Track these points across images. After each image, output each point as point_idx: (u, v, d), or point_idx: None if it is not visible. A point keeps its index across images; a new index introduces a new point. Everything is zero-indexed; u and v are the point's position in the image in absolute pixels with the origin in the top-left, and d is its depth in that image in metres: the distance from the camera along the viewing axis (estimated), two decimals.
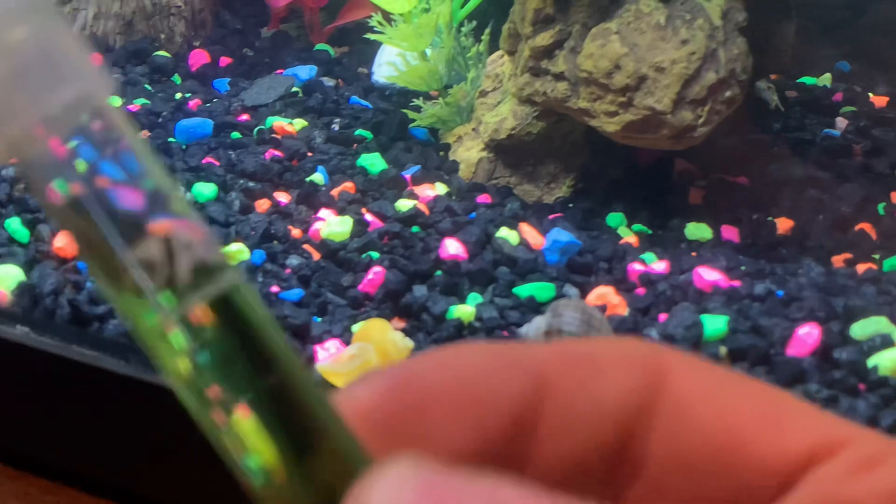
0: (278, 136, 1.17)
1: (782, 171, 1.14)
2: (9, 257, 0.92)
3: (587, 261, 0.96)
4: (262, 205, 1.04)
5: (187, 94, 1.29)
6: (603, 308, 0.89)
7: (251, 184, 1.06)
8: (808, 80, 1.38)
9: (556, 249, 0.96)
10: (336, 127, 1.20)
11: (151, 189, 0.25)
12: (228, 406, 0.25)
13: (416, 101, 1.17)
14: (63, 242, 0.93)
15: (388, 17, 1.17)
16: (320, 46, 1.43)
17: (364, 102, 1.26)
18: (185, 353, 0.25)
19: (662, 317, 0.88)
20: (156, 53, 1.38)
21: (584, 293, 0.91)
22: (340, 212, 1.02)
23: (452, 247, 0.95)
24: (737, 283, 0.93)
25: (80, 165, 0.25)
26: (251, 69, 1.38)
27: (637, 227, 1.05)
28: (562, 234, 0.97)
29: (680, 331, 0.85)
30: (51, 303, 0.86)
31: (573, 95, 1.01)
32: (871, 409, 0.78)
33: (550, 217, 1.04)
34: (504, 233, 0.98)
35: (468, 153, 1.12)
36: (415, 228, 1.00)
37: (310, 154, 1.14)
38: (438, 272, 0.93)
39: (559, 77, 1.02)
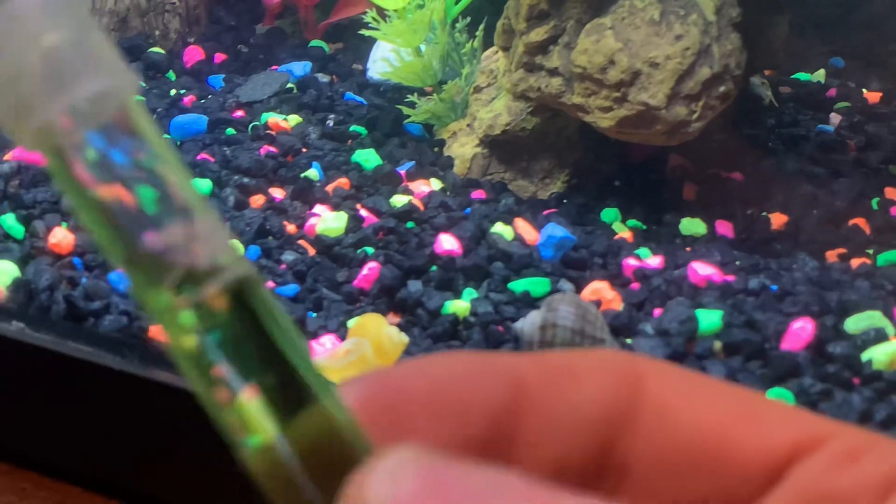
0: (273, 133, 1.17)
1: (776, 167, 1.14)
2: (4, 253, 0.92)
3: (582, 256, 0.96)
4: (257, 201, 1.04)
5: (182, 91, 1.29)
6: (598, 303, 0.89)
7: (246, 180, 1.06)
8: (802, 75, 1.38)
9: (551, 245, 0.96)
10: (331, 123, 1.20)
11: (170, 182, 0.26)
12: (234, 386, 0.25)
13: (411, 97, 1.17)
14: (58, 238, 0.93)
15: (382, 13, 1.17)
16: (315, 43, 1.43)
17: (358, 98, 1.26)
18: (194, 333, 0.25)
19: (657, 311, 0.88)
20: (150, 50, 1.38)
21: (578, 288, 0.92)
22: (335, 207, 1.02)
23: (447, 242, 0.95)
24: (731, 278, 0.93)
25: (101, 156, 0.25)
26: (246, 65, 1.38)
27: (631, 222, 1.05)
28: (556, 230, 0.98)
29: (674, 325, 0.85)
30: (46, 299, 0.86)
31: (567, 91, 1.01)
32: (865, 403, 0.78)
33: (545, 212, 1.04)
34: (499, 228, 0.98)
35: (463, 149, 1.12)
36: (409, 224, 1.00)
37: (304, 150, 1.14)
38: (433, 267, 0.93)
39: (553, 73, 1.02)
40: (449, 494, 0.24)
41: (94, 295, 0.86)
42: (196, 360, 0.25)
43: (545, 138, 1.09)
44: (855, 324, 0.85)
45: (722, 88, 0.97)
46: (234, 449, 0.26)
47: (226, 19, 1.49)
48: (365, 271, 0.91)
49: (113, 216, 0.25)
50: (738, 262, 0.97)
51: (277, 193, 1.05)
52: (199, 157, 1.10)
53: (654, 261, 0.96)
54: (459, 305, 0.88)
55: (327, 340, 0.84)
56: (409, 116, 1.17)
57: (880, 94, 1.33)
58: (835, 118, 1.26)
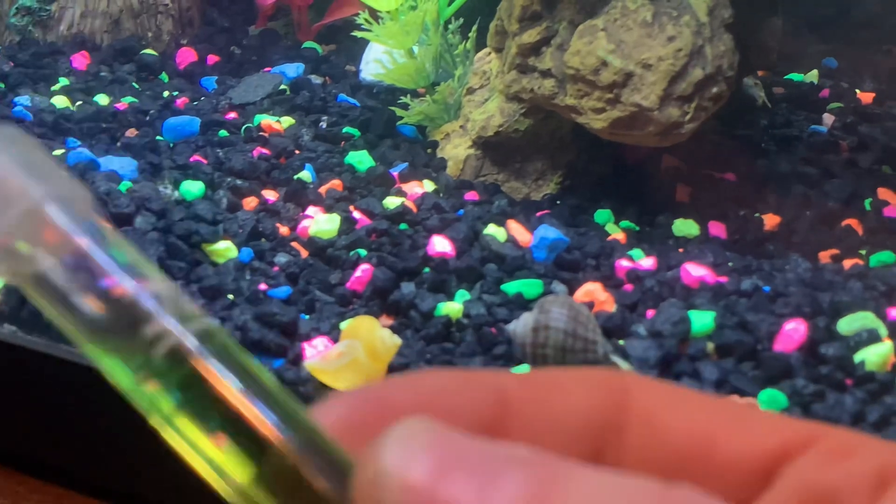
0: (266, 134, 1.17)
1: (769, 168, 1.14)
2: None
3: (575, 257, 0.96)
4: (250, 202, 1.04)
5: (175, 93, 1.29)
6: (591, 304, 0.89)
7: (239, 182, 1.06)
8: (795, 76, 1.38)
9: (544, 246, 0.96)
10: (324, 125, 1.20)
11: (121, 265, 0.27)
12: (212, 435, 0.26)
13: (404, 99, 1.17)
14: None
15: (375, 14, 1.17)
16: (308, 44, 1.43)
17: (351, 100, 1.26)
18: (162, 393, 0.27)
19: (650, 313, 0.88)
20: (143, 52, 1.38)
21: (571, 290, 0.92)
22: (328, 209, 1.02)
23: (440, 244, 0.95)
24: (724, 279, 0.93)
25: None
26: (239, 67, 1.38)
27: (624, 223, 1.05)
28: (549, 231, 0.97)
29: (667, 327, 0.85)
30: None
31: (560, 92, 1.01)
32: (857, 405, 0.78)
33: (538, 214, 1.04)
34: (492, 230, 0.98)
35: (456, 150, 1.12)
36: (403, 226, 1.00)
37: (297, 152, 1.14)
38: (426, 269, 0.93)
39: (546, 74, 1.02)
40: (461, 461, 0.24)
41: None
42: (171, 420, 0.27)
43: (538, 140, 1.09)
44: (847, 325, 0.85)
45: (714, 90, 0.97)
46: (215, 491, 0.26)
47: (219, 21, 1.49)
48: (358, 273, 0.91)
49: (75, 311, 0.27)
50: (730, 264, 0.97)
51: (270, 195, 1.05)
52: (191, 159, 1.10)
53: (646, 262, 0.96)
54: (452, 307, 0.88)
55: (320, 343, 0.84)
56: (402, 118, 1.17)
57: (873, 95, 1.33)
58: (828, 119, 1.27)
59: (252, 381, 0.26)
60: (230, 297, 0.88)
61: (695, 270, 0.93)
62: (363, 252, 0.95)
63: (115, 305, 0.27)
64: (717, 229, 1.04)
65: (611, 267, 0.95)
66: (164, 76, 1.35)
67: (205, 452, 0.26)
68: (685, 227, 1.04)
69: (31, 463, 0.80)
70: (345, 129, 1.19)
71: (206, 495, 0.27)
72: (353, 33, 1.20)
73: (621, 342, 0.85)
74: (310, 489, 0.25)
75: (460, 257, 0.94)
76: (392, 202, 1.03)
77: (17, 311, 0.86)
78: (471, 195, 1.07)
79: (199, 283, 0.89)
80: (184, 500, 0.75)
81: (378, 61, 1.21)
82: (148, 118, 1.20)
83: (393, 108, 1.18)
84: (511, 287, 0.91)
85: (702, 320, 0.85)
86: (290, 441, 0.26)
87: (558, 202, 1.08)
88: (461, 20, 1.18)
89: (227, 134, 1.17)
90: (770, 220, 1.05)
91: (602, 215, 1.06)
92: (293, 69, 1.32)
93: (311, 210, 1.02)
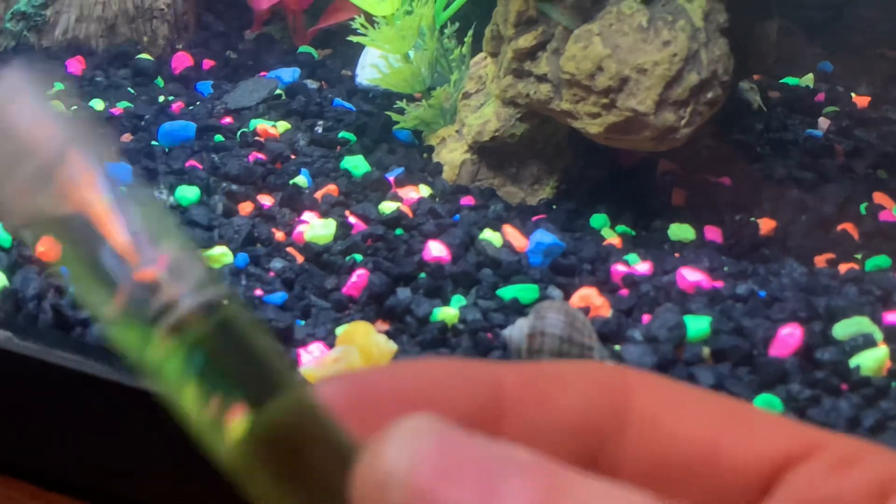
0: (261, 139, 1.17)
1: (765, 172, 1.14)
2: None
3: (571, 262, 0.96)
4: (246, 208, 1.04)
5: (170, 97, 1.29)
6: (586, 310, 0.89)
7: (234, 187, 1.06)
8: (790, 80, 1.38)
9: (540, 251, 0.96)
10: (319, 129, 1.20)
11: (140, 223, 0.27)
12: (220, 408, 0.26)
13: (400, 104, 1.17)
14: (46, 248, 0.93)
15: (370, 19, 1.17)
16: (303, 49, 1.43)
17: (347, 105, 1.26)
18: (176, 360, 0.26)
19: (646, 318, 0.88)
20: (139, 56, 1.38)
21: (567, 295, 0.92)
22: (324, 214, 1.02)
23: (436, 249, 0.95)
24: (719, 284, 0.93)
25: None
26: (234, 72, 1.38)
27: (620, 228, 1.05)
28: (545, 236, 0.98)
29: (663, 332, 0.85)
30: (33, 307, 0.86)
31: (556, 97, 1.01)
32: (853, 410, 0.78)
33: (534, 219, 1.04)
34: (487, 235, 0.98)
35: (452, 155, 1.12)
36: (398, 231, 1.00)
37: (293, 157, 1.14)
38: (422, 274, 0.93)
39: (542, 79, 1.02)
40: (465, 464, 0.24)
41: (81, 304, 0.86)
42: (179, 384, 0.26)
43: (534, 144, 1.09)
44: (843, 330, 0.86)
45: (710, 94, 0.97)
46: (214, 456, 0.26)
47: (214, 26, 1.49)
48: (353, 278, 0.91)
49: (87, 251, 0.27)
50: (726, 268, 0.97)
51: (266, 200, 1.05)
52: (187, 164, 1.10)
53: (642, 267, 0.96)
54: (448, 313, 0.88)
55: (315, 348, 0.84)
56: (398, 123, 1.17)
57: (869, 99, 1.33)
58: (823, 123, 1.27)
59: (251, 354, 0.26)
60: None
61: (690, 275, 0.93)
62: (359, 257, 0.95)
63: (127, 270, 0.26)
64: (713, 234, 1.04)
65: (606, 272, 0.95)
66: (160, 81, 1.35)
67: (206, 420, 0.26)
68: (681, 231, 1.04)
69: (25, 469, 0.80)
70: (340, 134, 1.19)
71: (203, 498, 0.27)
72: (349, 38, 1.20)
73: (617, 347, 0.85)
74: (309, 464, 0.25)
75: (456, 262, 0.94)
76: (388, 207, 1.03)
77: (12, 318, 0.86)
78: (467, 200, 1.07)
79: None
80: (181, 501, 0.75)
81: (374, 66, 1.21)
82: (143, 123, 1.20)
83: (389, 112, 1.18)
84: (507, 292, 0.91)
85: (698, 325, 0.85)
86: (291, 412, 0.26)
87: (554, 207, 1.08)
88: (457, 25, 1.18)
89: (223, 139, 1.17)
90: (766, 225, 1.05)
91: (598, 220, 1.06)
92: (289, 74, 1.32)
93: (306, 215, 1.02)
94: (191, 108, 1.26)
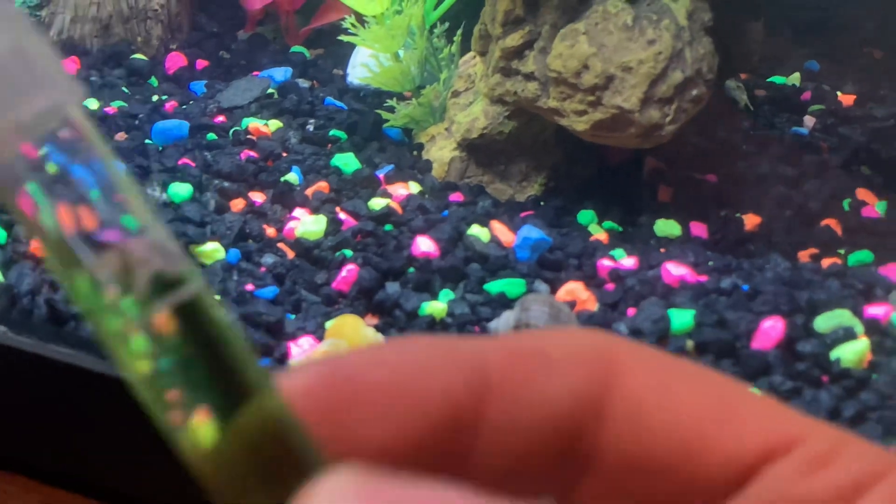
0: (254, 137, 1.18)
1: (750, 169, 1.15)
2: None
3: (557, 257, 0.97)
4: (238, 204, 1.05)
5: (164, 97, 1.30)
6: (572, 304, 0.91)
7: (227, 184, 1.07)
8: (777, 79, 1.39)
9: (527, 246, 0.98)
10: (311, 128, 1.22)
11: (119, 199, 0.26)
12: (187, 409, 0.25)
13: (390, 102, 1.19)
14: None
15: (361, 18, 1.18)
16: (296, 48, 1.44)
17: (339, 103, 1.27)
18: (145, 357, 0.25)
19: (631, 311, 0.90)
20: (133, 56, 1.39)
21: (554, 289, 0.93)
22: (315, 211, 1.03)
23: (425, 244, 0.96)
24: (704, 278, 0.94)
25: (51, 169, 0.25)
26: (227, 71, 1.39)
27: (607, 224, 1.07)
28: (533, 232, 0.99)
29: (648, 325, 0.86)
30: (28, 302, 0.87)
31: (543, 95, 1.02)
32: (833, 401, 0.80)
33: (522, 215, 1.05)
34: (476, 230, 1.00)
35: (441, 152, 1.13)
36: (388, 227, 1.01)
37: (285, 154, 1.15)
38: (411, 269, 0.94)
39: (529, 77, 1.03)
40: None
41: None
42: (150, 386, 0.25)
43: (522, 142, 1.10)
44: (824, 322, 0.87)
45: (694, 92, 0.99)
46: (184, 458, 0.26)
47: (208, 26, 1.50)
48: (343, 273, 0.92)
49: (59, 232, 0.25)
50: (710, 263, 0.98)
51: (258, 197, 1.06)
52: (180, 162, 1.11)
53: (628, 262, 0.97)
54: (436, 306, 0.89)
55: (305, 342, 0.85)
56: (388, 121, 1.18)
57: (854, 97, 1.35)
58: (809, 121, 1.28)
59: (221, 356, 0.25)
60: (217, 297, 0.89)
61: (675, 270, 0.94)
62: (349, 253, 0.96)
63: (95, 250, 0.25)
64: (699, 229, 1.05)
65: (593, 266, 0.96)
66: (154, 81, 1.36)
67: (171, 422, 0.25)
68: (667, 227, 1.05)
69: (21, 462, 0.80)
70: (332, 132, 1.20)
71: (196, 492, 0.27)
72: (340, 37, 1.21)
73: None
74: (269, 475, 0.25)
75: (444, 257, 0.96)
76: (377, 203, 1.04)
77: (7, 312, 0.87)
78: (455, 196, 1.08)
79: None
80: (173, 498, 0.76)
81: (365, 65, 1.22)
82: (137, 122, 1.22)
83: (379, 111, 1.19)
84: (494, 286, 0.92)
85: (681, 318, 0.87)
86: (257, 424, 0.25)
87: (542, 203, 1.09)
88: (446, 24, 1.19)
89: (216, 137, 1.18)
90: (750, 221, 1.06)
91: (585, 216, 1.07)
92: (281, 73, 1.33)
93: (297, 212, 1.04)
94: (184, 107, 1.27)
